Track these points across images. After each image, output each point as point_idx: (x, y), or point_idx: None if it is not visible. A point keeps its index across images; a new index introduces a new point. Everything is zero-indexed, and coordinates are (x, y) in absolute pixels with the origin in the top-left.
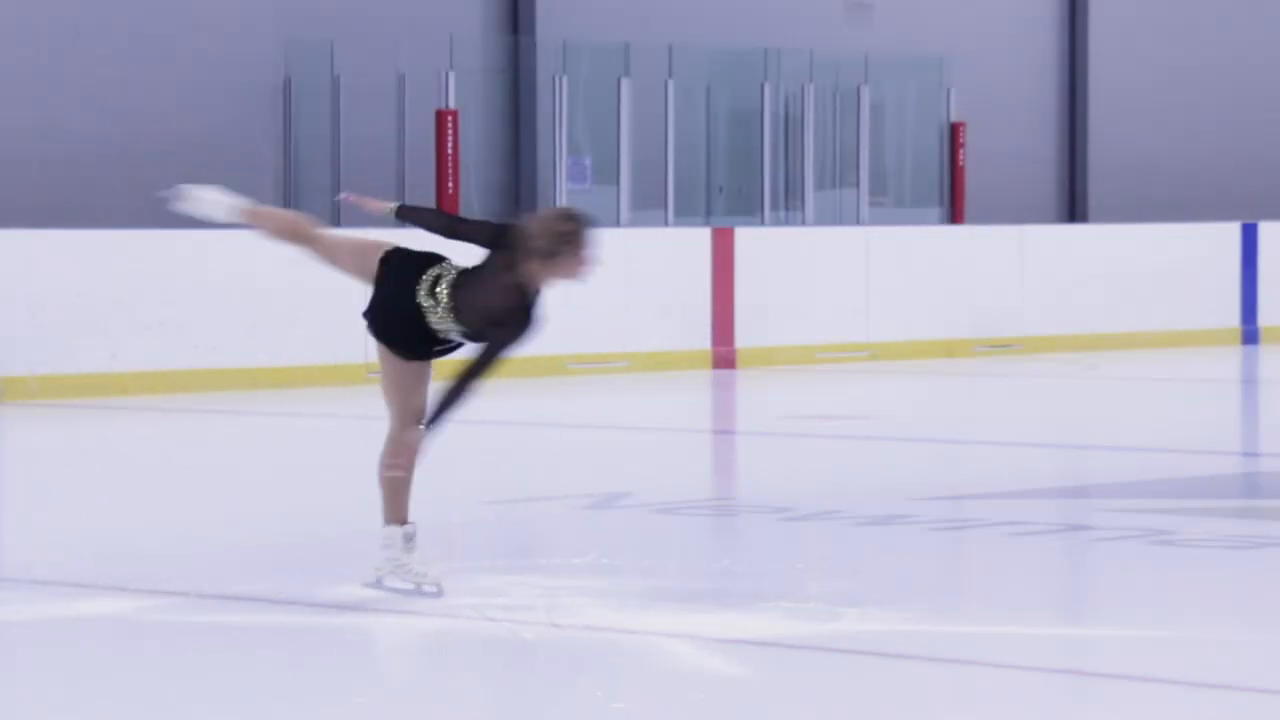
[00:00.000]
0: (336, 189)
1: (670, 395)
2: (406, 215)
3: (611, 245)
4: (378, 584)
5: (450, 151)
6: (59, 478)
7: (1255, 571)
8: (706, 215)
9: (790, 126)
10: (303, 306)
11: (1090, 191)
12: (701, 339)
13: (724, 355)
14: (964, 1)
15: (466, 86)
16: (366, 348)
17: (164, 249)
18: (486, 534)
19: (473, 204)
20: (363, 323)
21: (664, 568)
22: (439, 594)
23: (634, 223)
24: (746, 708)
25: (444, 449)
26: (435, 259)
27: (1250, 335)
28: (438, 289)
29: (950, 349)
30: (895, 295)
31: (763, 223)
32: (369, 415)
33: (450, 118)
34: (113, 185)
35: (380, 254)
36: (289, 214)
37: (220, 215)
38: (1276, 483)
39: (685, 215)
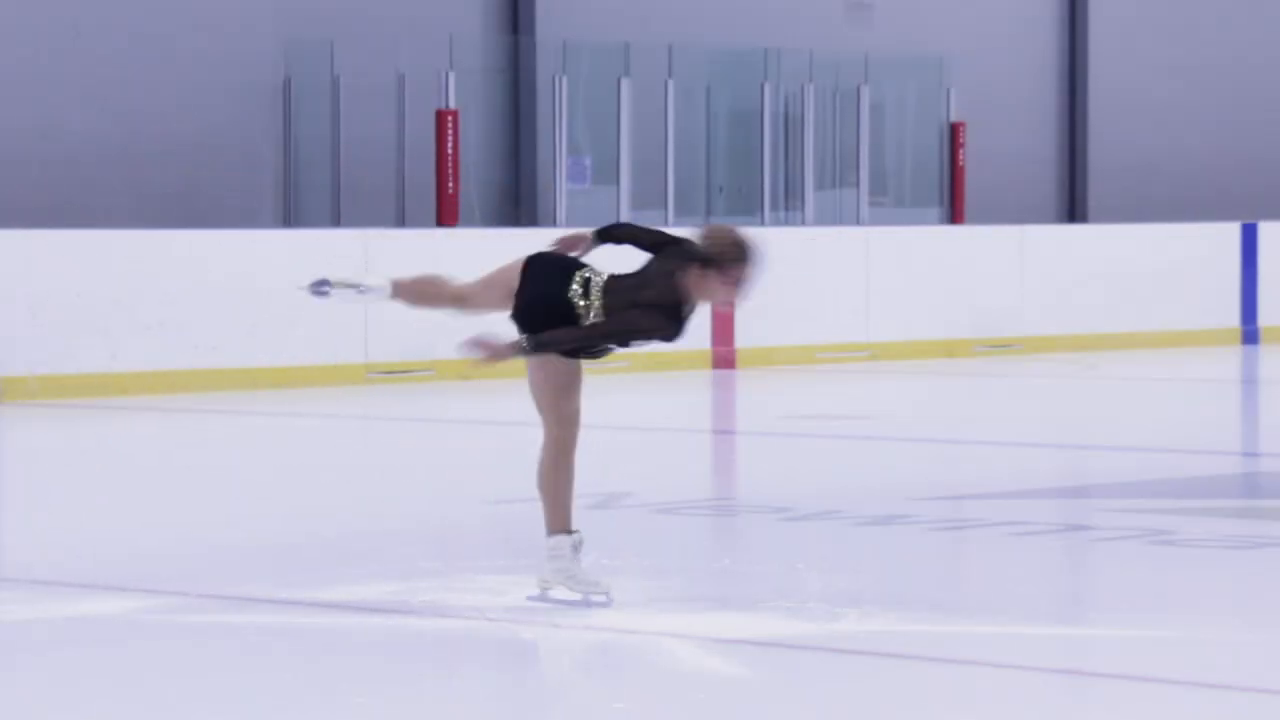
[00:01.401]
0: (336, 189)
1: (670, 395)
2: (609, 238)
3: (610, 246)
4: (543, 596)
5: (450, 151)
6: (59, 478)
7: (1255, 571)
8: (706, 215)
9: (790, 126)
10: (303, 306)
11: (1090, 191)
12: (701, 339)
13: (724, 355)
14: (964, 1)
15: (466, 86)
16: (366, 348)
17: (164, 249)
18: (486, 534)
19: (473, 204)
20: (509, 326)
21: (664, 568)
22: (608, 603)
23: (634, 222)
24: (746, 708)
25: (444, 449)
26: (579, 264)
27: (1250, 335)
28: (590, 291)
29: (950, 349)
30: (895, 295)
31: (763, 223)
32: (369, 415)
33: (450, 118)
34: (113, 185)
35: (518, 266)
36: (425, 278)
37: (366, 297)
38: (1276, 483)
39: (685, 215)
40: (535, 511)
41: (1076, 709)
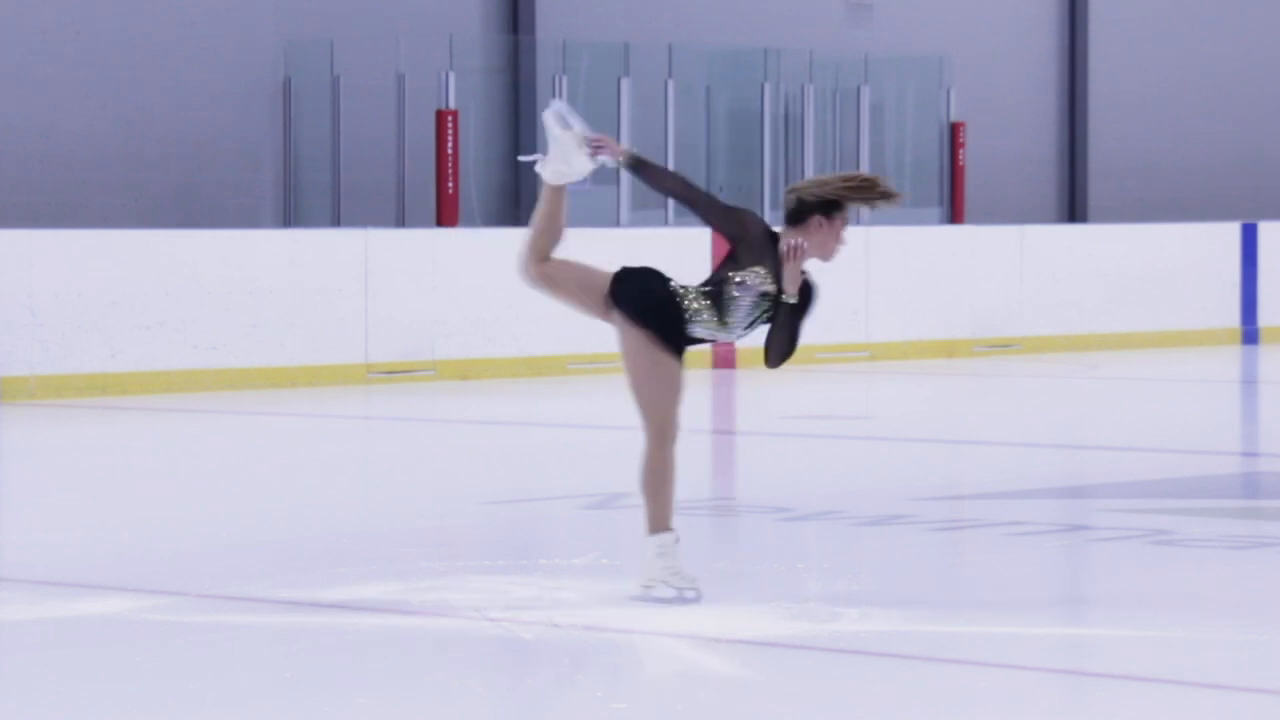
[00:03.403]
0: (337, 189)
1: None
2: (641, 169)
3: (611, 245)
4: (645, 594)
5: (450, 151)
6: (59, 478)
7: (1255, 571)
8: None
9: (790, 126)
10: (303, 306)
11: (1090, 191)
12: None
13: (724, 355)
14: (964, 1)
15: (466, 86)
16: (366, 348)
17: (164, 249)
18: (486, 534)
19: (473, 204)
20: (612, 320)
21: None
22: (697, 599)
23: (634, 223)
24: (746, 708)
25: (444, 449)
26: (666, 276)
27: (1250, 335)
28: (689, 290)
29: (950, 349)
30: (895, 295)
31: None
32: (369, 415)
33: (450, 118)
34: (112, 185)
35: (609, 276)
36: (558, 226)
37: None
38: (1276, 483)
39: (685, 215)
40: (535, 511)
41: (1076, 709)
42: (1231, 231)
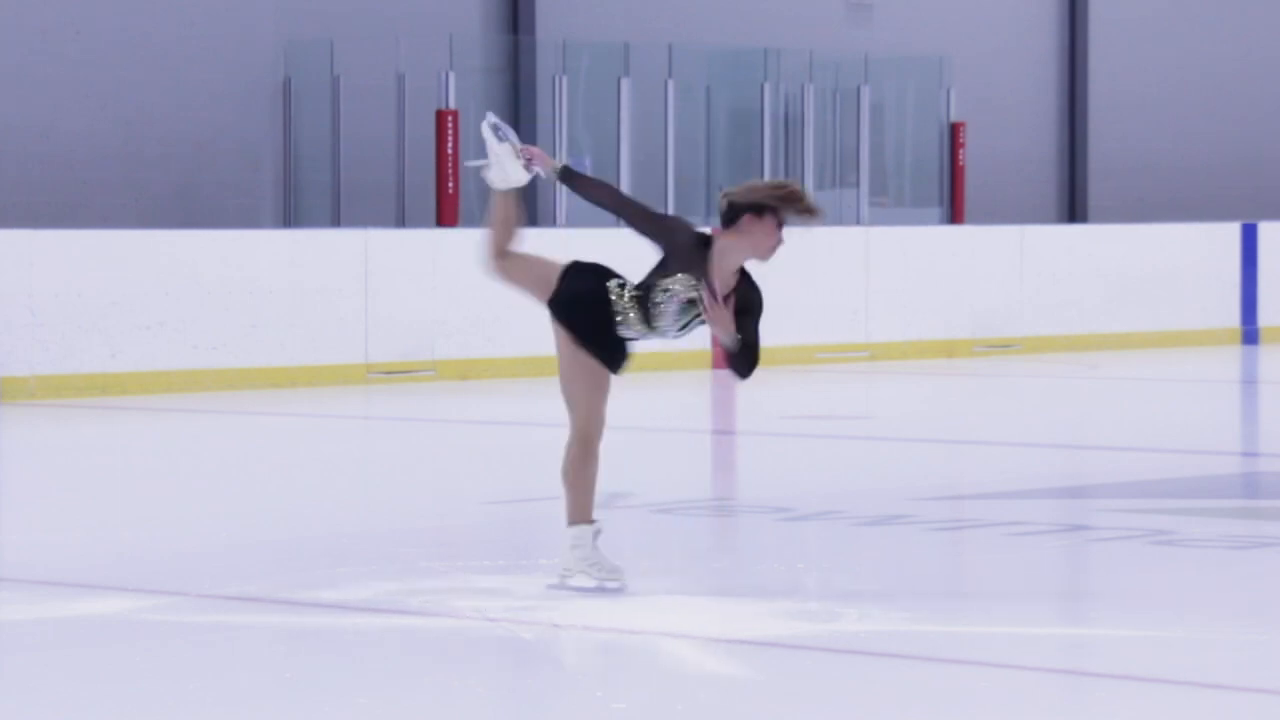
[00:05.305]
0: (337, 189)
1: (670, 395)
2: (571, 180)
3: (611, 246)
4: (562, 584)
5: (450, 151)
6: (59, 478)
7: (1255, 572)
8: (706, 215)
9: (790, 126)
10: (303, 306)
11: (1090, 191)
12: (703, 339)
13: (725, 355)
14: (964, 1)
15: (466, 86)
16: (366, 348)
17: (164, 249)
18: (486, 534)
19: (473, 204)
20: (545, 314)
21: (664, 568)
22: (621, 589)
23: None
24: (746, 708)
25: (444, 449)
26: (613, 273)
27: (1250, 335)
28: (624, 292)
29: (950, 349)
30: (895, 295)
31: None
32: (369, 415)
33: (450, 118)
34: (112, 185)
35: (559, 268)
36: (511, 224)
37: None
38: (1276, 483)
39: (685, 215)
40: (535, 511)
41: (1076, 709)
42: (1231, 231)
